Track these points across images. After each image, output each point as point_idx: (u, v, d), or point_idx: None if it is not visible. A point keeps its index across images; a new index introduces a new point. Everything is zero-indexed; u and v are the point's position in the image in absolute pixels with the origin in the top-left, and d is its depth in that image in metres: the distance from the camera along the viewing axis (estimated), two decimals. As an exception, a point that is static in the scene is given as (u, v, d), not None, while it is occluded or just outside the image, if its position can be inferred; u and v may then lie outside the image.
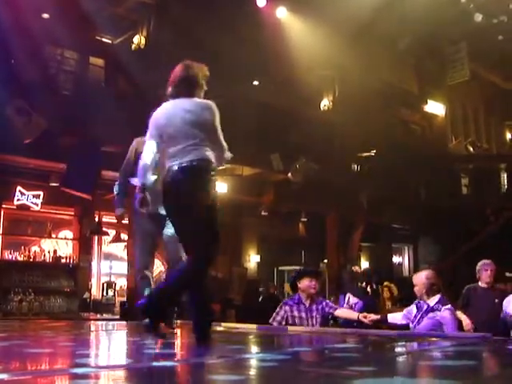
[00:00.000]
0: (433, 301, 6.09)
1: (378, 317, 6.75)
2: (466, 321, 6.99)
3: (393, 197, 16.26)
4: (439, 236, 18.49)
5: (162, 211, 5.55)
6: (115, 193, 5.84)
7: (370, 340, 5.16)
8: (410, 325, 6.25)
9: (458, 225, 16.89)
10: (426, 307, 6.13)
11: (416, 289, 6.27)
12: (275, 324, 6.61)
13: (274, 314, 6.75)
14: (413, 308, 6.33)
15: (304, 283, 6.78)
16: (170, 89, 4.61)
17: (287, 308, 6.70)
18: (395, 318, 6.56)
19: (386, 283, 10.14)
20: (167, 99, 4.62)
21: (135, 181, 4.83)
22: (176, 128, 4.41)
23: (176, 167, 4.32)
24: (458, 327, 6.16)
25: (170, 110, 4.54)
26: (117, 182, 5.87)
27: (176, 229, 4.58)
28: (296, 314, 6.64)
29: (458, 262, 16.16)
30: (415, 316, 6.21)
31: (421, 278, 6.27)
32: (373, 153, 17.32)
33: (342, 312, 6.93)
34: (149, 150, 4.52)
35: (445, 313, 6.05)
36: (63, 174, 12.11)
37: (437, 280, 6.29)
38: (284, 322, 6.62)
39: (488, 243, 14.68)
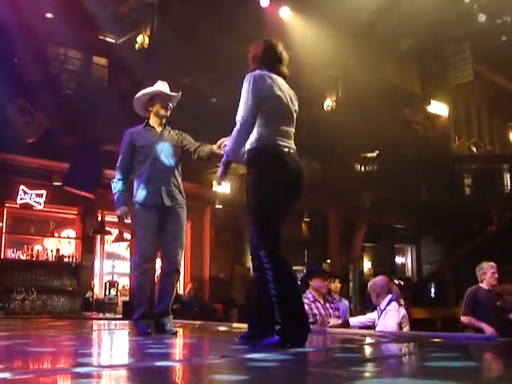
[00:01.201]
0: (384, 302, 6.38)
1: (339, 322, 6.93)
2: (488, 329, 7.00)
3: (395, 197, 16.24)
4: (442, 236, 18.48)
5: (167, 203, 5.51)
6: (115, 190, 5.64)
7: (372, 340, 5.16)
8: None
9: (461, 225, 16.89)
10: (380, 312, 6.41)
11: (372, 295, 6.61)
12: None
13: None
14: (375, 313, 6.60)
15: (317, 282, 6.81)
16: (272, 62, 4.31)
17: (306, 307, 6.68)
18: (353, 321, 6.78)
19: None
20: (264, 70, 4.24)
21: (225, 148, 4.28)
22: (289, 109, 4.23)
23: (292, 150, 4.12)
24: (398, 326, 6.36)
25: (283, 86, 4.25)
26: (115, 180, 5.67)
27: (282, 216, 4.26)
28: (316, 311, 6.65)
29: (460, 262, 16.17)
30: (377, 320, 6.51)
31: (374, 284, 6.79)
32: (379, 153, 17.32)
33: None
34: (247, 121, 4.00)
35: (388, 309, 6.31)
36: (66, 173, 12.12)
37: (387, 283, 6.62)
38: None
39: (490, 243, 14.67)
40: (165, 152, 5.54)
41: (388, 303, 6.44)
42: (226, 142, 4.92)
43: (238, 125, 4.03)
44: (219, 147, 5.19)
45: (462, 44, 17.71)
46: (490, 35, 16.52)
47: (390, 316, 6.40)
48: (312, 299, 6.72)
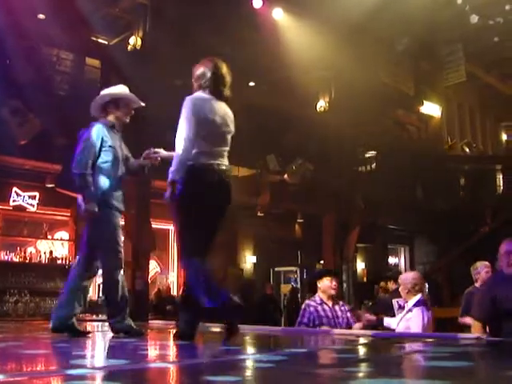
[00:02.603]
0: (412, 301, 6.24)
1: (374, 318, 6.80)
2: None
3: (389, 198, 16.28)
4: (435, 237, 18.52)
5: (124, 209, 5.42)
6: (87, 184, 5.16)
7: (365, 341, 5.17)
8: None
9: (454, 226, 16.92)
10: (407, 310, 6.28)
11: (401, 288, 6.45)
12: (303, 327, 6.54)
13: (300, 318, 6.60)
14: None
15: (324, 283, 6.67)
16: (211, 83, 4.59)
17: (312, 309, 6.58)
18: (390, 323, 6.60)
19: (382, 283, 10.07)
20: (206, 91, 4.59)
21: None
22: (222, 131, 4.56)
23: (222, 167, 4.49)
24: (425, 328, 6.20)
25: (219, 111, 4.57)
26: (85, 172, 5.23)
27: (214, 226, 4.57)
28: (322, 313, 6.53)
29: (454, 262, 16.21)
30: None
31: (406, 278, 6.49)
32: (372, 154, 17.39)
33: (356, 327, 6.85)
34: (187, 144, 4.38)
35: (414, 312, 6.18)
36: (59, 175, 12.10)
37: (421, 281, 6.48)
38: (311, 324, 6.53)
39: (483, 244, 14.69)
40: (123, 157, 5.42)
41: (416, 304, 6.29)
42: (152, 153, 5.19)
43: (179, 148, 4.37)
44: (145, 158, 5.31)
45: (454, 45, 17.77)
46: (483, 36, 16.59)
47: (414, 320, 6.23)
48: (319, 302, 6.60)
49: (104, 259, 5.23)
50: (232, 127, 4.66)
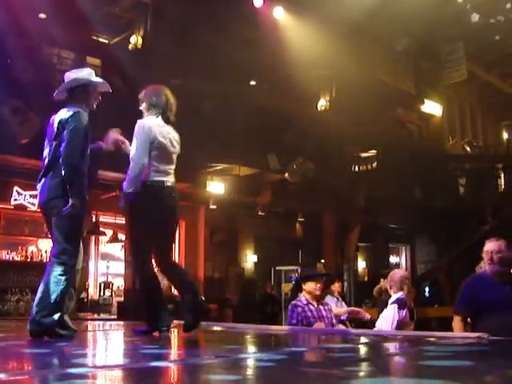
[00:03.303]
0: (392, 299, 6.33)
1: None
2: None
3: (390, 197, 16.27)
4: (436, 236, 18.51)
5: None
6: (76, 178, 4.88)
7: (365, 340, 5.17)
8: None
9: (455, 225, 16.92)
10: (387, 306, 6.38)
11: (387, 282, 6.52)
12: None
13: (289, 319, 6.73)
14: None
15: (310, 285, 6.76)
16: (163, 110, 5.18)
17: (299, 310, 6.65)
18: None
19: (382, 283, 10.03)
20: (158, 117, 5.17)
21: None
22: (169, 151, 5.17)
23: (169, 184, 5.11)
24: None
25: (167, 134, 5.18)
26: (76, 165, 4.87)
27: (168, 232, 5.28)
28: (309, 314, 6.61)
29: (455, 261, 16.21)
30: None
31: (395, 274, 6.58)
32: (373, 153, 17.37)
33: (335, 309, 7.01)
34: (138, 161, 4.95)
35: (388, 309, 6.25)
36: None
37: (407, 281, 6.53)
38: (300, 325, 6.58)
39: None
40: None
41: (393, 302, 6.35)
42: (121, 142, 5.38)
43: (132, 165, 4.98)
44: (112, 143, 5.42)
45: (455, 43, 17.74)
46: (484, 34, 16.58)
47: (386, 318, 6.30)
48: (305, 302, 6.69)
49: (68, 248, 5.05)
50: (178, 148, 5.26)
